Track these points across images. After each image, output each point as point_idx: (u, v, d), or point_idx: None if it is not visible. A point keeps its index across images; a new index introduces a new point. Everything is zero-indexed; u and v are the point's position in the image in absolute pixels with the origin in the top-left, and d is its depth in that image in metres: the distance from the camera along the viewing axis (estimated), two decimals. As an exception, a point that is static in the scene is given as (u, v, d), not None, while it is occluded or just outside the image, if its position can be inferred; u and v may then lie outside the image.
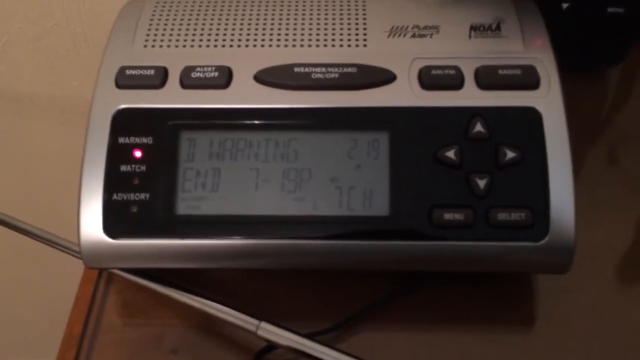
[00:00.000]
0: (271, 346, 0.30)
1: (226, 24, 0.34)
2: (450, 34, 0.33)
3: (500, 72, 0.31)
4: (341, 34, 0.33)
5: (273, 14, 0.34)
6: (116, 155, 0.30)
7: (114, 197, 0.30)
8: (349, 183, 0.30)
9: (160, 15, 0.34)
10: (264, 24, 0.33)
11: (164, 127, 0.31)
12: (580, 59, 0.40)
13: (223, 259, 0.30)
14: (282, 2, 0.35)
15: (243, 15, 0.34)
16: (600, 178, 0.39)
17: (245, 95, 0.31)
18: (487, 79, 0.31)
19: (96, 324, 0.33)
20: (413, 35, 0.33)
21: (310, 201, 0.30)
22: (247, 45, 0.33)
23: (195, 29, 0.33)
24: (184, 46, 0.33)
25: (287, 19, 0.34)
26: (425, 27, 0.33)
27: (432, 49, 0.32)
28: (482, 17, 0.33)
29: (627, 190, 0.38)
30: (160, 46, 0.33)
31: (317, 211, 0.30)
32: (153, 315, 0.33)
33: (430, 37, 0.33)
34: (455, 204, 0.29)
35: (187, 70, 0.32)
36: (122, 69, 0.32)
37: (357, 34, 0.33)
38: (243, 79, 0.32)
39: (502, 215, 0.29)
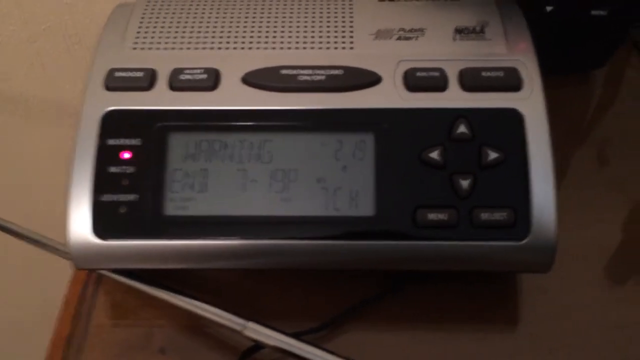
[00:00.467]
0: (258, 346, 0.31)
1: (214, 27, 0.34)
2: (435, 37, 0.33)
3: (483, 74, 0.31)
4: (328, 37, 0.33)
5: (261, 17, 0.34)
6: (105, 156, 0.31)
7: (103, 198, 0.30)
8: (335, 184, 0.30)
9: (150, 17, 0.35)
10: (252, 26, 0.34)
11: (152, 129, 0.31)
12: (564, 62, 0.41)
13: (211, 260, 0.31)
14: (269, 5, 0.35)
15: (231, 17, 0.34)
16: (587, 179, 0.39)
17: (233, 97, 0.32)
18: (471, 81, 0.31)
19: (85, 325, 0.34)
20: (399, 38, 0.33)
21: (297, 202, 0.30)
22: (235, 48, 0.33)
23: (184, 32, 0.34)
24: (173, 48, 0.33)
25: (275, 22, 0.34)
26: (410, 30, 0.33)
27: (417, 52, 0.33)
28: (466, 20, 0.34)
29: (614, 191, 0.38)
30: (150, 48, 0.33)
31: (303, 211, 0.30)
32: (141, 316, 0.34)
33: (416, 39, 0.33)
34: (439, 204, 0.30)
35: (176, 73, 0.32)
36: (111, 71, 0.32)
37: (343, 37, 0.33)
38: (231, 81, 0.32)
39: (484, 215, 0.29)
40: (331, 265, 0.31)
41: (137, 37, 0.34)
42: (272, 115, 0.31)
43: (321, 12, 0.35)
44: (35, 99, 0.64)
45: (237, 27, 0.34)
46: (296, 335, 0.30)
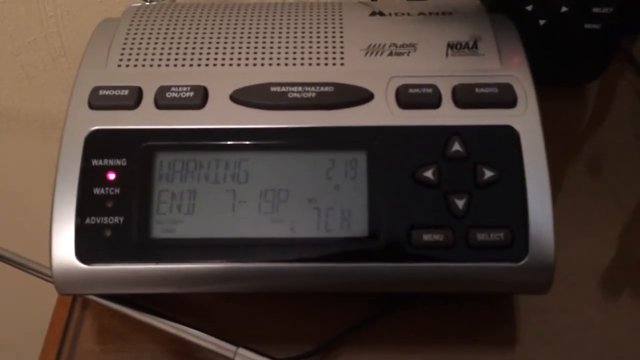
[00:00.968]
0: (250, 371, 0.30)
1: (202, 43, 0.33)
2: (427, 52, 0.33)
3: (477, 90, 0.31)
4: (318, 53, 0.33)
5: (249, 33, 0.34)
6: (89, 177, 0.30)
7: (87, 221, 0.29)
8: (327, 204, 0.30)
9: (135, 34, 0.34)
10: (240, 43, 0.33)
11: (138, 149, 0.30)
12: (558, 75, 0.40)
13: (200, 284, 0.30)
14: (258, 20, 0.34)
15: (219, 34, 0.34)
16: (581, 192, 0.39)
17: (221, 116, 0.31)
18: (465, 97, 0.31)
19: (71, 350, 0.32)
20: (390, 54, 0.32)
21: (288, 223, 0.29)
22: (222, 65, 0.32)
23: (170, 48, 0.33)
24: (159, 65, 0.32)
25: (264, 38, 0.33)
26: (402, 45, 0.33)
27: (409, 67, 0.32)
28: (459, 35, 0.33)
29: (609, 204, 0.38)
30: (135, 65, 0.32)
31: (295, 233, 0.29)
32: (129, 341, 0.32)
33: (408, 55, 0.32)
34: (434, 225, 0.29)
35: (162, 90, 0.31)
36: (96, 89, 0.31)
37: (334, 53, 0.33)
38: (219, 98, 0.31)
39: (481, 236, 0.29)
40: (324, 288, 0.30)
41: (122, 54, 0.33)
42: (262, 133, 0.30)
43: (311, 28, 0.34)
44: (21, 112, 0.62)
45: (225, 43, 0.33)
46: (288, 361, 0.30)
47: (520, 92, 0.31)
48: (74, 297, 0.34)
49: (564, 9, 0.36)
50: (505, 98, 0.31)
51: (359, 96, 0.31)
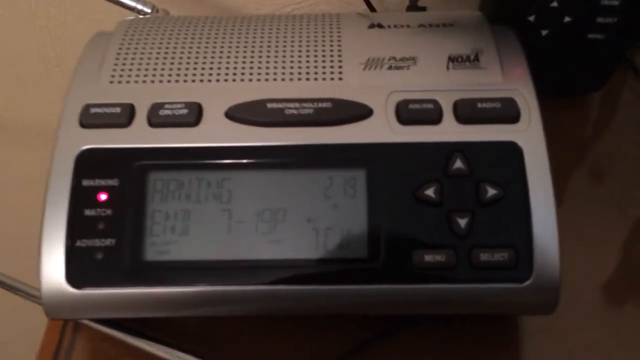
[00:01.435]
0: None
1: (196, 58, 0.32)
2: (427, 66, 0.32)
3: (479, 105, 0.30)
4: (315, 67, 0.32)
5: (245, 47, 0.33)
6: (80, 198, 0.29)
7: (78, 243, 0.28)
8: (326, 223, 0.29)
9: (128, 49, 0.33)
10: (236, 57, 0.32)
11: (130, 168, 0.29)
12: (562, 85, 0.39)
13: (196, 307, 0.29)
14: (254, 34, 0.33)
15: (214, 48, 0.33)
16: (587, 204, 0.38)
17: (216, 133, 0.30)
18: (466, 112, 0.30)
19: (62, 374, 0.32)
20: (390, 67, 0.32)
21: (286, 244, 0.28)
22: (217, 80, 0.31)
23: (164, 63, 0.32)
24: (152, 82, 0.31)
25: (260, 52, 0.32)
26: (402, 59, 0.32)
27: (409, 82, 0.31)
28: (459, 47, 0.32)
29: (614, 216, 0.37)
30: (127, 82, 0.32)
31: (293, 254, 0.28)
32: (122, 364, 0.32)
33: (408, 69, 0.32)
34: (436, 245, 0.28)
35: (155, 108, 0.30)
36: (87, 107, 0.30)
37: (332, 67, 0.32)
38: (214, 115, 0.30)
39: (484, 256, 0.28)
40: (323, 310, 0.29)
41: (115, 70, 0.32)
42: (258, 151, 0.29)
43: (308, 41, 0.33)
44: (15, 123, 0.62)
45: (220, 58, 0.32)
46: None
47: (524, 107, 0.30)
48: (65, 321, 0.33)
49: (567, 19, 0.35)
50: (508, 113, 0.30)
51: (358, 112, 0.30)
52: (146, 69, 0.32)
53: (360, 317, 0.32)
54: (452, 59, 0.32)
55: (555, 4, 0.34)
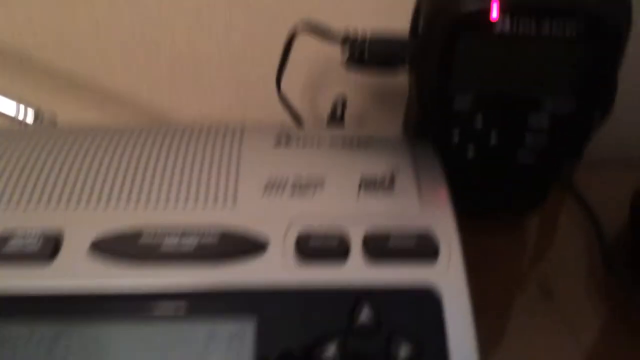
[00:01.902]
0: None
1: (57, 177, 0.27)
2: (336, 192, 0.28)
3: (392, 240, 0.26)
4: (206, 191, 0.27)
5: (125, 165, 0.28)
6: None
7: None
8: (203, 389, 0.23)
9: (-14, 164, 0.28)
10: (104, 177, 0.27)
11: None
12: (494, 208, 0.36)
13: None
14: (140, 150, 0.29)
15: (80, 166, 0.28)
16: (523, 333, 0.33)
17: (74, 272, 0.24)
18: (377, 249, 0.25)
19: None
20: (292, 194, 0.27)
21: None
22: (82, 206, 0.26)
23: (17, 183, 0.27)
24: (5, 209, 0.26)
25: (141, 172, 0.28)
26: (307, 183, 0.28)
27: (313, 211, 0.27)
28: (374, 170, 0.29)
29: (563, 341, 0.33)
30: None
31: None
32: None
33: (313, 195, 0.27)
34: (336, 420, 0.23)
35: (2, 239, 0.25)
36: None
37: (225, 191, 0.27)
38: (74, 249, 0.25)
39: None
40: None
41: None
42: (126, 297, 0.24)
43: (202, 159, 0.29)
44: None
45: (86, 178, 0.27)
46: None
47: (443, 242, 0.26)
48: None
49: (493, 140, 0.32)
50: (424, 250, 0.26)
51: (250, 247, 0.25)
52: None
53: None
54: (364, 184, 0.28)
55: (479, 124, 0.32)
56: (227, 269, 0.25)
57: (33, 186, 0.27)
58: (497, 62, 0.29)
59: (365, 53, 0.31)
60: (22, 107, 0.35)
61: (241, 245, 0.25)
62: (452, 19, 0.28)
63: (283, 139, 0.30)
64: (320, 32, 0.32)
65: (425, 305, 0.24)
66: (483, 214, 0.33)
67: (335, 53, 0.33)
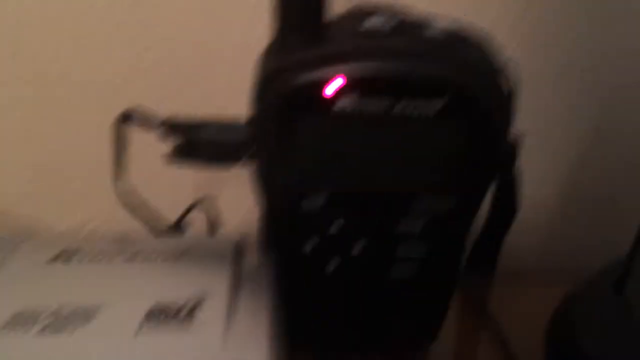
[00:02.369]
0: None
1: None
2: (107, 326, 0.20)
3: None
4: None
5: None
6: None
7: None
8: None
9: None
10: None
11: None
12: (367, 339, 0.28)
13: None
14: None
15: None
16: None
17: None
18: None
19: None
20: (44, 328, 0.19)
21: None
22: None
23: None
24: None
25: None
26: (70, 314, 0.20)
27: (66, 354, 0.19)
28: (171, 295, 0.21)
29: None
30: None
31: None
32: None
33: (72, 331, 0.19)
34: None
35: None
36: None
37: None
38: None
39: None
40: None
41: None
42: None
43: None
44: None
45: None
46: None
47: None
48: None
49: (355, 249, 0.25)
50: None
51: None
52: None
53: None
54: (151, 315, 0.20)
55: (336, 230, 0.24)
56: None
57: None
58: (347, 149, 0.23)
59: (191, 143, 0.24)
60: None
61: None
62: (283, 93, 0.22)
63: (63, 254, 0.22)
64: (141, 120, 0.26)
65: None
66: (356, 347, 0.25)
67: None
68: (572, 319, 0.28)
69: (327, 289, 0.25)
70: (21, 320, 0.19)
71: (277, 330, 0.21)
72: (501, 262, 0.31)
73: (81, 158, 0.39)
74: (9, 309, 0.20)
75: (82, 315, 0.20)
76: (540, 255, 0.46)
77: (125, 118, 0.24)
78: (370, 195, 0.24)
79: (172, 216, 0.32)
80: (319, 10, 0.22)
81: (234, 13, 0.36)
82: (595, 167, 0.44)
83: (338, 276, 0.25)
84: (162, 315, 0.20)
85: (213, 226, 0.33)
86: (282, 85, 0.21)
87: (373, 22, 0.22)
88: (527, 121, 0.41)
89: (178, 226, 0.29)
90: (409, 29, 0.23)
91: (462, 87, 0.22)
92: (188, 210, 0.30)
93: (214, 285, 0.21)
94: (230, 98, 0.28)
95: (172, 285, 0.21)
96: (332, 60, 0.21)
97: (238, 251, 0.24)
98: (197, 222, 0.33)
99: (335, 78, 0.21)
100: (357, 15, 0.24)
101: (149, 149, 0.28)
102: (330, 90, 0.21)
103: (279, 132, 0.22)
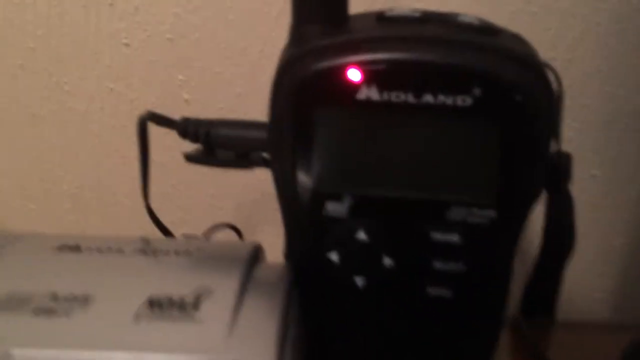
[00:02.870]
0: None
1: None
2: (103, 312, 0.18)
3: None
4: None
5: None
6: None
7: None
8: None
9: None
10: None
11: None
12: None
13: None
14: None
15: None
16: None
17: None
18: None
19: None
20: (36, 311, 0.18)
21: None
22: None
23: None
24: None
25: None
26: (69, 296, 0.19)
27: (60, 339, 0.17)
28: (176, 286, 0.19)
29: None
30: None
31: None
32: None
33: (69, 315, 0.18)
34: None
35: None
36: None
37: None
38: None
39: None
40: None
41: None
42: None
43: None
44: None
45: None
46: None
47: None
48: None
49: (387, 262, 0.22)
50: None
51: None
52: None
53: None
54: (151, 303, 0.19)
55: (363, 235, 0.22)
56: None
57: None
58: (370, 145, 0.21)
59: (211, 143, 0.24)
60: None
61: None
62: (301, 79, 0.21)
63: (74, 243, 0.22)
64: (162, 121, 0.25)
65: None
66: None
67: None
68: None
69: (356, 306, 0.23)
70: (15, 301, 0.18)
71: (289, 335, 0.18)
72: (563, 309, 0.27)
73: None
74: (4, 289, 0.19)
75: (81, 300, 0.18)
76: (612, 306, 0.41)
77: (147, 118, 0.24)
78: (398, 201, 0.22)
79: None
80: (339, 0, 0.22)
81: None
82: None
83: (368, 291, 0.23)
84: (165, 303, 0.18)
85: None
86: (300, 71, 0.20)
87: (397, 12, 0.22)
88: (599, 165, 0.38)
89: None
90: (437, 18, 0.22)
91: (498, 76, 0.20)
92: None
93: (223, 282, 0.20)
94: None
95: (180, 277, 0.20)
96: (355, 46, 0.21)
97: (254, 256, 0.22)
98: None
99: (359, 64, 0.20)
100: (379, 11, 0.23)
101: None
102: (353, 75, 0.20)
103: (296, 123, 0.21)
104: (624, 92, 0.36)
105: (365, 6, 0.23)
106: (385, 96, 0.20)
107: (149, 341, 0.17)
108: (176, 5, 0.35)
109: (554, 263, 0.25)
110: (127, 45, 0.36)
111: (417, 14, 0.21)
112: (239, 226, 0.33)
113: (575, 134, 0.37)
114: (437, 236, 0.22)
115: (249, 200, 0.40)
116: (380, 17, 0.21)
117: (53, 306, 0.18)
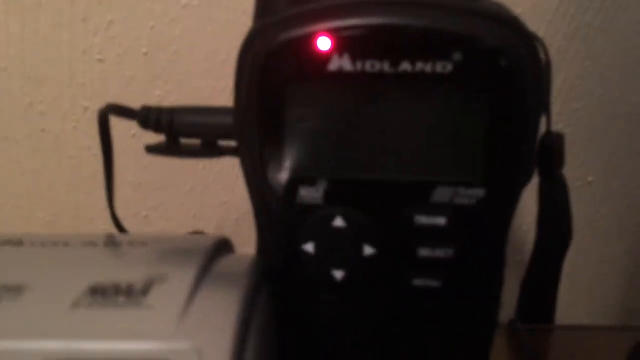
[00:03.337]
0: None
1: None
2: (39, 300, 0.16)
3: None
4: None
5: None
6: None
7: None
8: None
9: None
10: None
11: None
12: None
13: None
14: None
15: None
16: None
17: None
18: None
19: None
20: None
21: None
22: None
23: None
24: None
25: None
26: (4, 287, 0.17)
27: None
28: (127, 273, 0.17)
29: None
30: None
31: None
32: None
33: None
34: None
35: None
36: None
37: None
38: None
39: None
40: None
41: None
42: None
43: None
44: None
45: None
46: None
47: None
48: None
49: (368, 251, 0.20)
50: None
51: None
52: None
53: None
54: (94, 292, 0.16)
55: (341, 223, 0.20)
56: None
57: None
58: (345, 121, 0.20)
59: (175, 132, 0.22)
60: None
61: None
62: (266, 51, 0.19)
63: (13, 240, 0.19)
64: (123, 112, 0.24)
65: None
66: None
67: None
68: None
69: (335, 302, 0.20)
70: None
71: (253, 325, 0.16)
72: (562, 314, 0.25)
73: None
74: None
75: (13, 290, 0.16)
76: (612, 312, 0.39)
77: (107, 111, 0.22)
78: (378, 183, 0.20)
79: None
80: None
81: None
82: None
83: (348, 285, 0.20)
84: (110, 291, 0.16)
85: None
86: (265, 44, 0.19)
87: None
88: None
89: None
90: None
91: (479, 38, 0.19)
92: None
93: (179, 270, 0.17)
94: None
95: (131, 266, 0.18)
96: (324, 13, 0.19)
97: (219, 248, 0.20)
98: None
99: (328, 31, 0.19)
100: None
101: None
102: (322, 44, 0.19)
103: (263, 101, 0.19)
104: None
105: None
106: (359, 66, 0.19)
107: (87, 328, 0.14)
108: (152, 18, 0.35)
109: (551, 257, 0.23)
110: (101, 61, 0.35)
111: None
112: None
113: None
114: (422, 220, 0.20)
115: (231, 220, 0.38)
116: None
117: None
